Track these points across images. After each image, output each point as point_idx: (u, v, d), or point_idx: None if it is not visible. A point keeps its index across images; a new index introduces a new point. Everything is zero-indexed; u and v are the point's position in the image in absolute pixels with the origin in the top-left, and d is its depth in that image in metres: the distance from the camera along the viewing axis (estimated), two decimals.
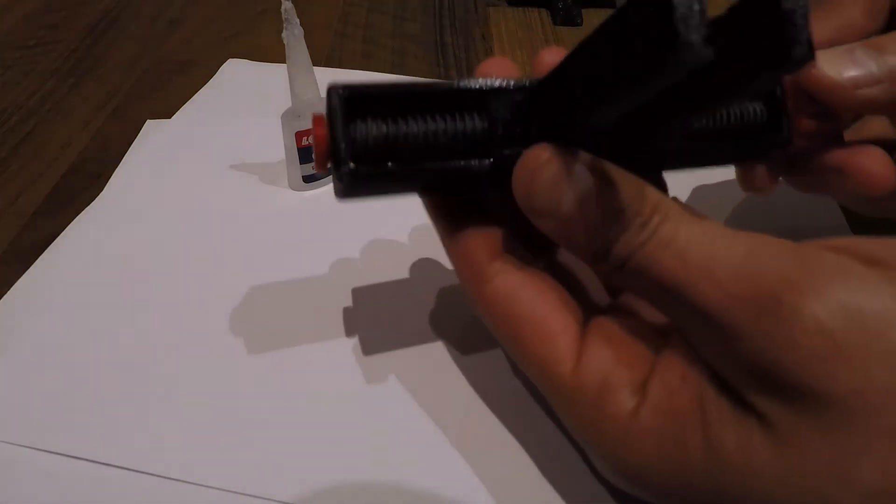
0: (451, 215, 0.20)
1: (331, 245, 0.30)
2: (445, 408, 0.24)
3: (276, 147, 0.33)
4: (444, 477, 0.22)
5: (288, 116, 0.32)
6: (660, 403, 0.16)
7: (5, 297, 0.28)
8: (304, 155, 0.33)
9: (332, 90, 0.18)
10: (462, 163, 0.18)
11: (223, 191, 0.34)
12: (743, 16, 0.15)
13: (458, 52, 0.48)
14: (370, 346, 0.26)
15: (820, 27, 0.24)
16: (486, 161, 0.18)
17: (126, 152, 0.37)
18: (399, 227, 0.31)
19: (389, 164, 0.18)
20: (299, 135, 0.32)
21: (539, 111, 0.18)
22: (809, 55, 0.14)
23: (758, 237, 0.16)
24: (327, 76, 0.36)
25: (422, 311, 0.27)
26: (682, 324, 0.17)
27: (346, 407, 0.24)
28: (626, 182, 0.17)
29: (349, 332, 0.26)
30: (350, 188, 0.19)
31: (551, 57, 0.21)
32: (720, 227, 0.16)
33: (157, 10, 0.55)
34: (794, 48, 0.14)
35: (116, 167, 0.36)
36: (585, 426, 0.18)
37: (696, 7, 0.12)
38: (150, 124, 0.39)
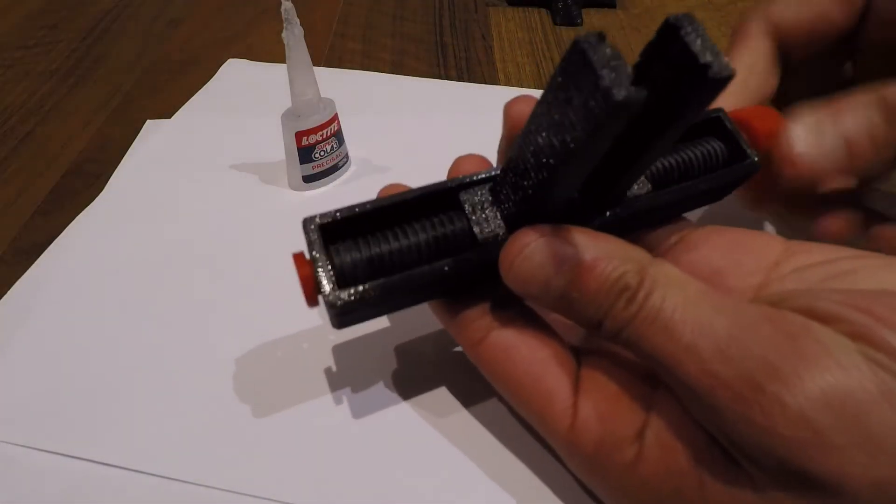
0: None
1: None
2: (449, 422, 0.24)
3: (276, 147, 0.33)
4: (445, 482, 0.22)
5: (288, 116, 0.32)
6: (657, 461, 0.17)
7: (5, 297, 0.28)
8: (304, 155, 0.33)
9: (307, 221, 0.19)
10: (449, 266, 0.19)
11: (223, 191, 0.34)
12: (656, 54, 0.16)
13: (458, 52, 0.48)
14: (371, 346, 0.26)
15: (794, 20, 0.26)
16: (472, 256, 0.19)
17: (126, 152, 0.37)
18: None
19: (375, 290, 0.18)
20: (299, 135, 0.32)
21: (509, 194, 0.19)
22: (724, 70, 0.15)
23: (740, 307, 0.16)
24: (327, 76, 0.36)
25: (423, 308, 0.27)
26: (674, 389, 0.17)
27: (347, 407, 0.24)
28: (611, 251, 0.17)
29: (349, 331, 0.26)
30: (342, 319, 0.19)
31: (520, 106, 0.21)
32: (704, 294, 0.17)
33: (157, 10, 0.55)
34: (708, 68, 0.15)
35: (116, 167, 0.36)
36: (585, 474, 0.19)
37: (616, 66, 0.13)
38: (150, 124, 0.39)
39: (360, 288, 0.18)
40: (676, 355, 0.16)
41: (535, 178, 0.17)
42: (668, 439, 0.17)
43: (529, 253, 0.17)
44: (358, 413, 0.24)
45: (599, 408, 0.18)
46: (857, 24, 0.26)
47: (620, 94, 0.13)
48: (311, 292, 0.18)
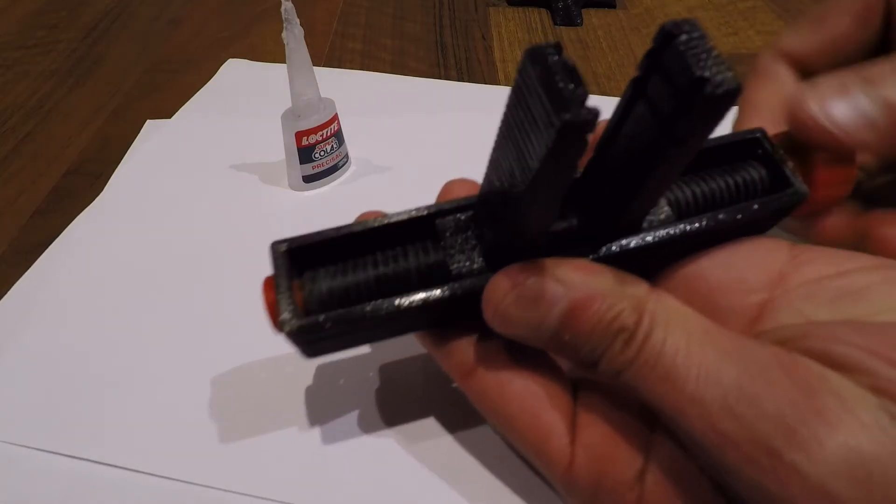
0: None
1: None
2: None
3: (276, 147, 0.33)
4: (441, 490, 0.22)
5: (288, 116, 0.32)
6: None
7: (5, 297, 0.28)
8: (304, 155, 0.33)
9: (274, 246, 0.18)
10: (421, 300, 0.17)
11: (223, 191, 0.34)
12: (653, 66, 0.14)
13: (458, 52, 0.48)
14: (373, 345, 0.26)
15: (810, 40, 0.23)
16: (446, 292, 0.17)
17: (126, 152, 0.37)
18: None
19: (334, 321, 0.17)
20: (299, 135, 0.32)
21: (486, 223, 0.17)
22: (726, 84, 0.13)
23: (750, 349, 0.15)
24: (327, 76, 0.36)
25: None
26: (677, 435, 0.16)
27: (348, 408, 0.24)
28: (605, 287, 0.16)
29: None
30: (307, 348, 0.18)
31: (460, 188, 0.20)
32: (709, 334, 0.15)
33: (157, 10, 0.55)
34: (706, 83, 0.13)
35: (116, 167, 0.36)
36: None
37: (568, 81, 0.12)
38: (150, 124, 0.39)
39: (320, 318, 0.17)
40: (680, 406, 0.14)
41: (507, 206, 0.15)
42: (670, 485, 0.16)
43: (512, 299, 0.16)
44: (360, 413, 0.23)
45: (598, 447, 0.17)
46: (881, 35, 0.23)
47: (567, 115, 0.12)
48: (276, 318, 0.17)
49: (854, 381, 0.14)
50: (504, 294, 0.16)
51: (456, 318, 0.19)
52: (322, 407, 0.24)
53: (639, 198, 0.16)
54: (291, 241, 0.18)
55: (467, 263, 0.18)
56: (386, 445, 0.22)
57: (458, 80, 0.44)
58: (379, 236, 0.18)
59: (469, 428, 0.23)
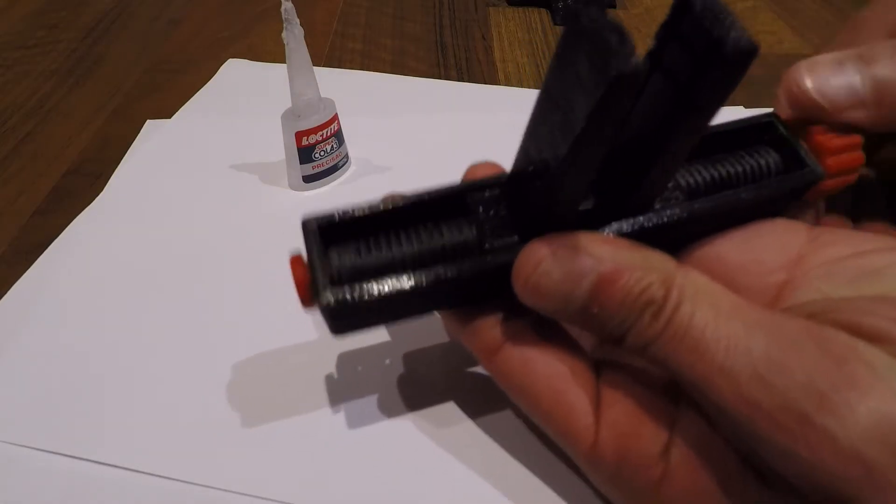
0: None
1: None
2: (456, 431, 0.24)
3: (276, 147, 0.33)
4: (446, 487, 0.22)
5: (288, 116, 0.32)
6: (684, 481, 0.16)
7: (5, 297, 0.28)
8: (304, 155, 0.33)
9: (306, 223, 0.18)
10: (454, 274, 0.17)
11: (223, 191, 0.34)
12: (670, 35, 0.14)
13: (458, 52, 0.48)
14: (374, 345, 0.26)
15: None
16: (480, 265, 0.17)
17: (126, 152, 0.37)
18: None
19: (371, 293, 0.17)
20: (299, 135, 0.32)
21: (519, 197, 0.17)
22: (743, 45, 0.13)
23: (778, 321, 0.15)
24: (327, 76, 0.36)
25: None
26: (704, 408, 0.16)
27: (349, 408, 0.24)
28: (633, 261, 0.16)
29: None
30: (338, 323, 0.18)
31: (484, 170, 0.20)
32: (738, 307, 0.15)
33: (157, 10, 0.55)
34: (723, 44, 0.13)
35: (116, 167, 0.36)
36: (608, 490, 0.18)
37: (617, 35, 0.12)
38: (150, 124, 0.39)
39: (356, 291, 0.17)
40: (709, 377, 0.14)
41: (542, 178, 0.15)
42: (696, 459, 0.16)
43: (545, 269, 0.16)
44: (360, 418, 0.23)
45: (622, 424, 0.17)
46: None
47: (619, 64, 0.12)
48: (306, 293, 0.17)
49: (883, 350, 0.14)
50: (535, 266, 0.16)
51: (484, 295, 0.19)
52: (323, 407, 0.24)
53: (653, 174, 0.16)
54: (322, 218, 0.18)
55: (500, 238, 0.18)
56: (386, 446, 0.22)
57: (458, 80, 0.44)
58: (408, 214, 0.18)
59: (476, 419, 0.23)
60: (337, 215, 0.18)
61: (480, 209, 0.18)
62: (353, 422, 0.23)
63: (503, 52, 0.48)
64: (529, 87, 0.43)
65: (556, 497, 0.21)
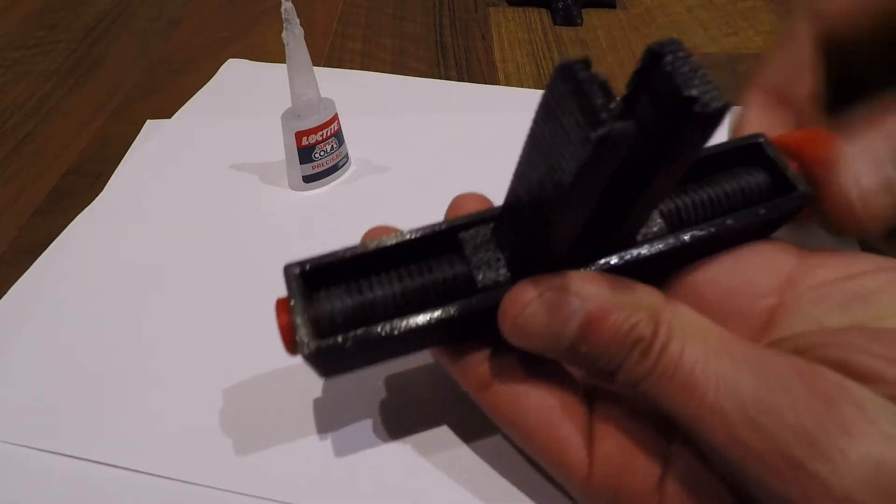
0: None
1: (331, 245, 0.30)
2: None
3: (276, 147, 0.33)
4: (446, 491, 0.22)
5: (288, 116, 0.32)
6: None
7: (5, 297, 0.28)
8: (304, 155, 0.33)
9: (288, 269, 0.18)
10: (442, 314, 0.17)
11: (223, 191, 0.34)
12: (642, 85, 0.14)
13: (458, 53, 0.48)
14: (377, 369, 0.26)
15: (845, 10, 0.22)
16: (472, 304, 0.17)
17: (126, 152, 0.37)
18: (403, 222, 0.31)
19: (353, 340, 0.17)
20: (299, 135, 0.32)
21: (510, 235, 0.17)
22: (714, 104, 0.13)
23: (767, 358, 0.15)
24: (327, 76, 0.36)
25: None
26: (697, 444, 0.16)
27: (350, 407, 0.24)
28: (620, 299, 0.16)
29: None
30: (325, 369, 0.18)
31: (469, 202, 0.20)
32: (726, 343, 0.15)
33: (157, 10, 0.55)
34: (694, 102, 0.13)
35: (116, 167, 0.36)
36: None
37: (600, 97, 0.12)
38: (150, 124, 0.39)
39: (339, 339, 0.17)
40: (700, 416, 0.14)
41: (532, 219, 0.15)
42: (690, 494, 0.16)
43: (532, 312, 0.16)
44: (360, 417, 0.23)
45: (615, 458, 0.17)
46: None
47: (602, 130, 0.12)
48: (289, 340, 0.17)
49: (873, 391, 0.14)
50: (522, 308, 0.16)
51: (475, 332, 0.19)
52: (324, 405, 0.24)
53: (632, 214, 0.16)
54: (304, 264, 0.18)
55: (492, 275, 0.18)
56: (387, 447, 0.22)
57: (458, 80, 0.44)
58: (396, 253, 0.18)
59: (478, 436, 0.23)
60: (322, 260, 0.18)
61: (473, 245, 0.18)
62: (356, 419, 0.23)
63: (503, 52, 0.48)
64: (529, 87, 0.43)
65: None
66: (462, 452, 0.22)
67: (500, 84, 0.44)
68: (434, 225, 0.18)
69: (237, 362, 0.25)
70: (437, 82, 0.44)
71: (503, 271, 0.18)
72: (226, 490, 0.21)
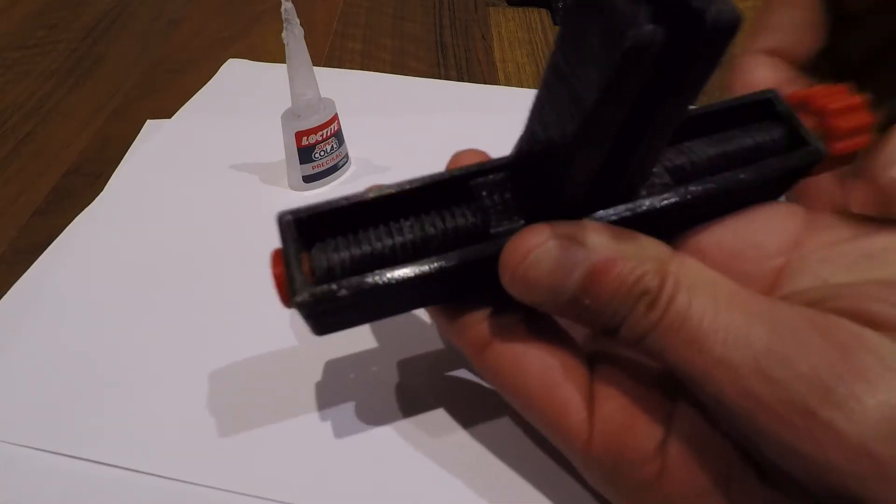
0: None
1: None
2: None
3: (276, 147, 0.33)
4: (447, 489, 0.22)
5: (288, 116, 0.32)
6: (682, 478, 0.15)
7: (5, 297, 0.28)
8: (304, 155, 0.33)
9: (281, 217, 0.17)
10: (445, 260, 0.16)
11: (223, 191, 0.34)
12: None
13: (458, 52, 0.48)
14: (373, 346, 0.26)
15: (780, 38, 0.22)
16: (485, 250, 0.16)
17: (126, 152, 0.37)
18: None
19: (349, 288, 0.16)
20: (299, 135, 0.32)
21: (524, 180, 0.16)
22: (725, 15, 0.12)
23: (780, 310, 0.14)
24: (327, 76, 0.36)
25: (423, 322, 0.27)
26: (702, 401, 0.15)
27: (350, 409, 0.24)
28: (627, 249, 0.15)
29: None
30: (318, 323, 0.17)
31: (469, 158, 0.19)
32: (736, 295, 0.15)
33: (157, 10, 0.55)
34: (704, 13, 0.12)
35: (116, 167, 0.36)
36: (604, 488, 0.17)
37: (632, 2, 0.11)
38: (150, 124, 0.39)
39: (333, 286, 0.16)
40: (707, 370, 0.14)
41: (550, 158, 0.15)
42: (694, 455, 0.15)
43: (535, 259, 0.15)
44: (359, 416, 0.23)
45: (617, 420, 0.16)
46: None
47: (630, 33, 0.11)
48: (284, 292, 0.16)
49: (891, 339, 0.13)
50: (525, 256, 0.15)
51: (478, 287, 0.18)
52: (324, 407, 0.24)
53: (633, 161, 0.16)
54: (298, 211, 0.17)
55: (506, 223, 0.17)
56: (387, 447, 0.22)
57: (458, 80, 0.44)
58: (401, 202, 0.17)
59: (475, 425, 0.23)
60: (317, 209, 0.17)
61: (484, 193, 0.17)
62: (355, 422, 0.23)
63: (503, 52, 0.48)
64: (529, 87, 0.43)
65: (549, 501, 0.21)
66: (462, 447, 0.22)
67: (500, 84, 0.44)
68: (447, 172, 0.17)
69: (237, 362, 0.25)
70: (437, 82, 0.44)
71: (517, 218, 0.17)
72: (226, 490, 0.21)
